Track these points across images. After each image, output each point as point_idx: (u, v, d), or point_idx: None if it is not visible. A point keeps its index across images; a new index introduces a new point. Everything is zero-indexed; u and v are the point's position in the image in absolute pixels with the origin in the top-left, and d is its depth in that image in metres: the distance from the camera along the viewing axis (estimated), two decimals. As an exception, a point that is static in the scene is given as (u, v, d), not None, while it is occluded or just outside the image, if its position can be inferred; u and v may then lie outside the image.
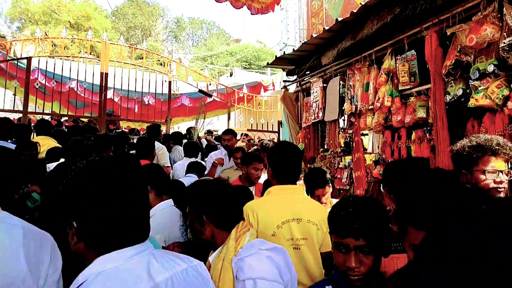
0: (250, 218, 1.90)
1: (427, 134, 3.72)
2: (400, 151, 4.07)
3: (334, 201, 3.23)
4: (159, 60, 8.43)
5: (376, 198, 1.43)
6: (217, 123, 15.68)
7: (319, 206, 2.31)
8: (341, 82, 4.90)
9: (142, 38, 35.14)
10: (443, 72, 3.37)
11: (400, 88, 3.96)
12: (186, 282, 1.11)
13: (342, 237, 1.32)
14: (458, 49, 3.18)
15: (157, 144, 5.93)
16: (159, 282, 1.03)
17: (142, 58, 8.14)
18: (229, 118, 8.67)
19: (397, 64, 3.97)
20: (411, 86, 3.87)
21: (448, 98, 3.39)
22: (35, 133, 5.23)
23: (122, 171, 1.07)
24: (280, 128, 8.60)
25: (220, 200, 1.58)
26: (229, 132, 5.40)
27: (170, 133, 7.40)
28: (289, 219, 1.99)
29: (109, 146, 4.01)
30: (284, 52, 5.50)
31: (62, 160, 3.60)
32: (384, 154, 4.32)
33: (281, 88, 6.46)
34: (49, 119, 7.20)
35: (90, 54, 7.98)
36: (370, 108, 4.35)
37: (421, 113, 3.71)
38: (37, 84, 6.94)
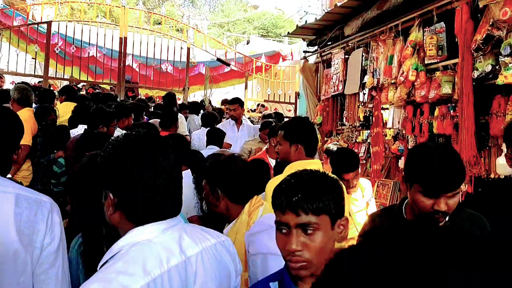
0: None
1: (451, 111, 3.63)
2: (422, 127, 4.01)
3: (362, 181, 3.20)
4: (176, 26, 8.31)
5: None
6: (233, 92, 15.59)
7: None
8: (363, 54, 4.78)
9: (159, 2, 34.59)
10: (473, 46, 3.25)
11: (426, 62, 3.84)
12: (215, 257, 1.13)
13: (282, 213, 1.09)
14: (490, 23, 3.04)
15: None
16: (190, 256, 1.05)
17: (160, 23, 8.05)
18: (246, 88, 8.61)
19: (424, 37, 3.83)
20: (438, 60, 3.75)
21: (476, 74, 3.28)
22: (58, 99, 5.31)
23: (158, 145, 1.08)
24: (298, 99, 8.51)
25: (235, 174, 1.61)
26: (236, 101, 5.04)
27: (187, 103, 7.44)
28: None
29: (129, 114, 4.06)
30: (306, 21, 5.36)
31: (81, 126, 3.66)
32: (405, 129, 4.26)
33: (301, 59, 6.34)
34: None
35: (104, 17, 7.91)
36: (392, 82, 4.25)
37: (447, 89, 3.61)
38: (57, 49, 6.97)
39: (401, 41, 4.17)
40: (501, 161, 3.10)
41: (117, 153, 1.04)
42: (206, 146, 4.28)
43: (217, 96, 14.57)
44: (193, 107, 6.71)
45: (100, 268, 1.02)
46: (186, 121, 5.97)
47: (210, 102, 10.07)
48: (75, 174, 1.90)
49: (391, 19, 4.31)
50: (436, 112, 3.84)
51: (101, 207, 1.40)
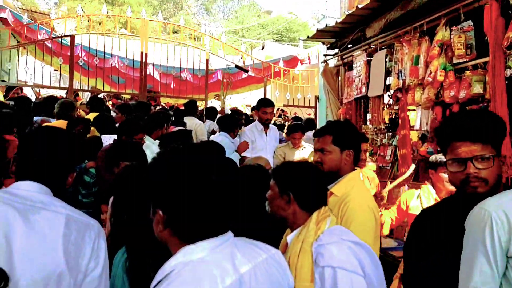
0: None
1: (483, 111, 3.53)
2: (451, 128, 3.91)
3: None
4: (193, 35, 8.38)
5: None
6: (250, 97, 15.60)
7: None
8: (387, 55, 4.70)
9: (173, 11, 35.06)
10: (505, 44, 3.15)
11: (454, 62, 3.75)
12: (268, 272, 1.10)
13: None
14: (525, 19, 2.95)
15: (195, 120, 6.03)
16: (243, 274, 1.02)
17: (176, 32, 8.14)
18: (265, 93, 8.60)
19: (452, 36, 3.74)
20: (467, 59, 3.65)
21: (508, 72, 3.18)
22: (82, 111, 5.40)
23: (215, 162, 1.06)
24: (317, 103, 8.45)
25: (311, 181, 1.58)
26: (272, 104, 4.73)
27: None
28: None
29: (163, 124, 4.09)
30: (326, 24, 5.32)
31: (109, 136, 3.69)
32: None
33: (321, 62, 6.30)
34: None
35: (126, 29, 8.05)
36: (419, 83, 4.17)
37: (478, 88, 3.52)
38: (81, 61, 7.11)
39: (427, 41, 4.08)
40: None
41: (170, 171, 1.02)
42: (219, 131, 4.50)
43: (234, 102, 14.61)
44: (208, 113, 6.78)
45: None
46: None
47: (223, 107, 10.12)
48: (110, 185, 1.91)
49: (415, 19, 4.23)
50: (467, 113, 3.74)
51: (145, 221, 1.38)
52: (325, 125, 2.23)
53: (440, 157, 2.87)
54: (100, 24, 7.99)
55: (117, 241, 1.59)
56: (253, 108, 4.88)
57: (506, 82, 3.23)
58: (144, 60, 7.25)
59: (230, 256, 1.03)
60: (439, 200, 2.86)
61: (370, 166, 4.55)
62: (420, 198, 3.05)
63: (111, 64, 7.49)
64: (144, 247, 1.44)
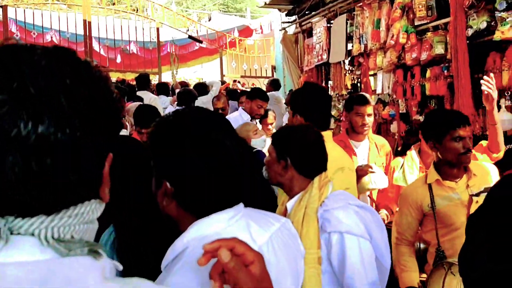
0: None
1: (445, 71, 3.63)
2: (414, 90, 4.00)
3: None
4: (132, 6, 7.86)
5: None
6: (201, 70, 15.14)
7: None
8: (348, 20, 4.67)
9: (111, -18, 32.77)
10: (466, 3, 3.21)
11: (416, 24, 3.80)
12: (283, 242, 1.03)
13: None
14: (486, -22, 3.00)
15: (150, 94, 5.73)
16: (261, 245, 0.95)
17: (114, 4, 7.60)
18: (221, 65, 8.36)
19: (413, -2, 3.76)
20: (428, 21, 3.71)
21: (470, 31, 3.26)
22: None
23: (220, 123, 0.95)
24: (274, 73, 8.37)
25: (309, 144, 1.50)
26: (268, 99, 4.22)
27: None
28: (339, 167, 1.92)
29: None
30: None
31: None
32: (395, 94, 4.25)
33: (280, 30, 6.17)
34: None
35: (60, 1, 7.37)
36: (381, 47, 4.20)
37: (439, 49, 3.59)
38: (17, 36, 6.42)
39: (388, 3, 4.09)
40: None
41: (178, 135, 0.89)
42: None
43: (185, 75, 14.14)
44: (160, 88, 6.50)
45: (165, 269, 0.90)
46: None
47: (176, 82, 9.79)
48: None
49: (376, -19, 4.21)
50: (428, 74, 3.83)
51: (135, 195, 1.25)
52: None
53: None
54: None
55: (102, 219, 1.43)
56: (248, 95, 4.24)
57: (468, 41, 3.31)
58: (88, 33, 6.69)
59: (247, 228, 0.94)
60: (423, 168, 2.73)
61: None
62: (403, 168, 2.83)
63: (51, 38, 6.84)
64: (134, 224, 1.31)
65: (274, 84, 6.33)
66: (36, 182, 0.49)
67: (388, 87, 4.40)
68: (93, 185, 0.57)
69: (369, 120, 2.86)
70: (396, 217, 2.32)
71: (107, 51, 7.66)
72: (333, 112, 4.82)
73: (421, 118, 4.10)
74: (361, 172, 2.49)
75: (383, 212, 2.95)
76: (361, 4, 4.44)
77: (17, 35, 6.43)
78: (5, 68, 0.49)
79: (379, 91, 4.58)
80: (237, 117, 4.05)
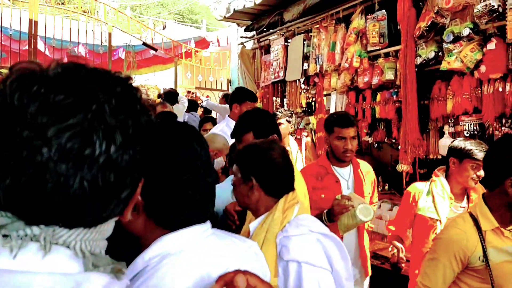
0: None
1: (394, 96, 3.80)
2: (365, 112, 4.15)
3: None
4: (83, 7, 7.52)
5: None
6: (153, 79, 14.77)
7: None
8: (305, 40, 4.78)
9: (61, -19, 31.34)
10: (417, 33, 3.40)
11: (368, 49, 3.96)
12: (250, 265, 0.98)
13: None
14: (435, 11, 3.20)
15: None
16: (229, 266, 0.89)
17: (63, 3, 7.24)
18: (176, 75, 8.20)
19: (367, 24, 3.93)
20: (380, 47, 3.88)
21: (418, 60, 3.45)
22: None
23: (193, 133, 0.90)
24: (229, 86, 8.35)
25: (275, 163, 1.42)
26: (256, 99, 3.82)
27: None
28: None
29: None
30: (244, 5, 5.18)
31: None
32: (348, 114, 4.38)
33: (238, 44, 6.17)
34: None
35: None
36: (335, 69, 4.32)
37: (389, 75, 3.76)
38: None
39: (343, 28, 4.24)
40: (443, 142, 3.33)
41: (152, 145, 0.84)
42: None
43: (136, 82, 13.71)
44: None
45: None
46: None
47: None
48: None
49: (333, 6, 4.36)
50: (378, 98, 3.99)
51: None
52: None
53: (468, 145, 2.26)
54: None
55: None
56: (231, 99, 3.58)
57: (416, 69, 3.50)
58: (34, 32, 6.26)
59: (214, 247, 0.89)
60: (453, 197, 2.36)
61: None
62: (432, 195, 2.35)
63: (-11, 34, 6.32)
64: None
65: (228, 98, 6.33)
66: (97, 198, 0.52)
67: (341, 108, 4.52)
68: (127, 204, 0.60)
69: (353, 145, 2.45)
70: (426, 266, 1.74)
71: (53, 51, 7.21)
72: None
73: (370, 140, 4.27)
74: (338, 208, 2.06)
75: (397, 244, 2.48)
76: (318, 26, 4.57)
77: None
78: (86, 89, 0.52)
79: (332, 110, 4.68)
80: (225, 129, 3.32)
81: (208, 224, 0.91)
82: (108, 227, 0.60)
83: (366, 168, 2.70)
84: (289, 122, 3.77)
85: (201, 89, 8.19)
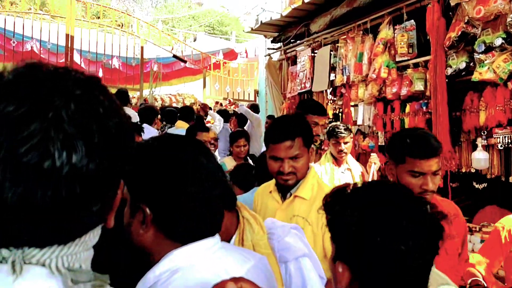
0: None
1: (424, 107, 3.71)
2: (393, 123, 4.07)
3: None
4: (117, 21, 7.81)
5: None
6: (183, 90, 15.11)
7: None
8: (332, 51, 4.76)
9: (98, -4, 32.73)
10: (447, 44, 3.32)
11: (397, 60, 3.90)
12: (259, 278, 0.98)
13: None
14: (466, 21, 3.12)
15: (130, 110, 5.61)
16: None
17: (99, 17, 7.54)
18: (204, 85, 8.35)
19: (395, 34, 3.88)
20: (409, 58, 3.81)
21: (449, 71, 3.36)
22: None
23: (199, 147, 0.92)
24: (257, 97, 8.41)
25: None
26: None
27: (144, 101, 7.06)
28: None
29: None
30: (271, 17, 5.25)
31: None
32: (375, 126, 4.31)
33: (265, 56, 6.23)
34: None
35: (42, 10, 7.25)
36: (363, 79, 4.28)
37: (419, 86, 3.68)
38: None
39: (371, 38, 4.19)
40: (476, 155, 3.21)
41: (156, 159, 0.86)
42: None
43: (167, 92, 14.08)
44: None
45: None
46: None
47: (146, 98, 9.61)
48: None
49: (360, 16, 4.33)
50: (407, 109, 3.91)
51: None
52: (283, 126, 1.73)
53: None
54: (12, 4, 7.11)
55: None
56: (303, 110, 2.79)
57: (447, 80, 3.41)
58: (70, 45, 6.57)
59: (222, 260, 0.89)
60: None
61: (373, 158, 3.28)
62: None
63: (31, 47, 6.68)
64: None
65: (254, 108, 6.33)
66: (64, 212, 0.48)
67: (369, 119, 4.46)
68: (106, 213, 0.57)
69: (435, 182, 1.58)
70: None
71: (89, 64, 7.53)
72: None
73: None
74: None
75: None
76: (345, 37, 4.55)
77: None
78: (39, 95, 0.47)
79: (359, 122, 4.63)
80: None
81: (217, 237, 0.91)
82: (90, 237, 0.55)
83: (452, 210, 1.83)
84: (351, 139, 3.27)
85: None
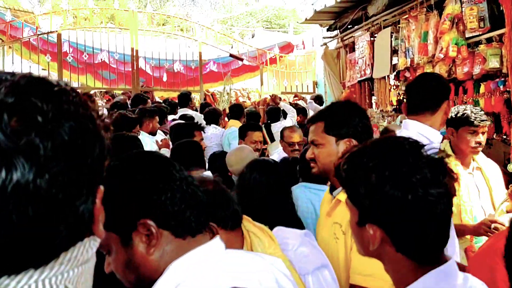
0: None
1: (501, 86, 3.35)
2: (466, 106, 3.73)
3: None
4: (180, 26, 8.10)
5: None
6: (244, 87, 15.33)
7: None
8: (392, 33, 4.49)
9: (160, 3, 34.41)
10: (525, 13, 2.95)
11: (467, 36, 3.56)
12: (270, 281, 0.91)
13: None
14: (548, -16, 2.74)
15: (189, 111, 5.79)
16: (247, 284, 0.83)
17: (164, 24, 7.88)
18: (261, 81, 8.37)
19: (463, 8, 3.54)
20: (480, 33, 3.46)
21: (529, 43, 2.99)
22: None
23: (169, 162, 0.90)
24: (316, 89, 8.24)
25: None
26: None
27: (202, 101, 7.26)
28: None
29: (153, 115, 4.05)
30: (325, 5, 5.08)
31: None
32: (446, 110, 3.98)
33: (321, 45, 6.07)
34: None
35: (112, 23, 7.76)
36: (429, 60, 3.97)
37: (494, 63, 3.32)
38: (69, 58, 6.82)
39: (436, 15, 3.88)
40: None
41: (142, 175, 0.84)
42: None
43: (238, 87, 14.38)
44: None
45: None
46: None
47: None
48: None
49: (422, -7, 4.02)
50: (482, 89, 3.56)
51: None
52: (321, 109, 1.70)
53: None
54: (86, 19, 7.68)
55: None
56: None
57: (527, 54, 3.04)
58: (135, 54, 6.97)
59: (232, 266, 0.85)
60: None
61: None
62: None
63: (101, 59, 7.20)
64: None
65: (318, 100, 6.10)
66: (19, 236, 0.42)
67: (437, 103, 4.13)
68: (85, 226, 0.50)
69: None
70: None
71: (153, 70, 7.93)
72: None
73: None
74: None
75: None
76: (406, 16, 4.26)
77: (69, 57, 6.83)
78: None
79: (427, 107, 4.32)
80: None
81: (216, 240, 0.86)
82: (80, 251, 0.50)
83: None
84: None
85: (287, 94, 8.21)
